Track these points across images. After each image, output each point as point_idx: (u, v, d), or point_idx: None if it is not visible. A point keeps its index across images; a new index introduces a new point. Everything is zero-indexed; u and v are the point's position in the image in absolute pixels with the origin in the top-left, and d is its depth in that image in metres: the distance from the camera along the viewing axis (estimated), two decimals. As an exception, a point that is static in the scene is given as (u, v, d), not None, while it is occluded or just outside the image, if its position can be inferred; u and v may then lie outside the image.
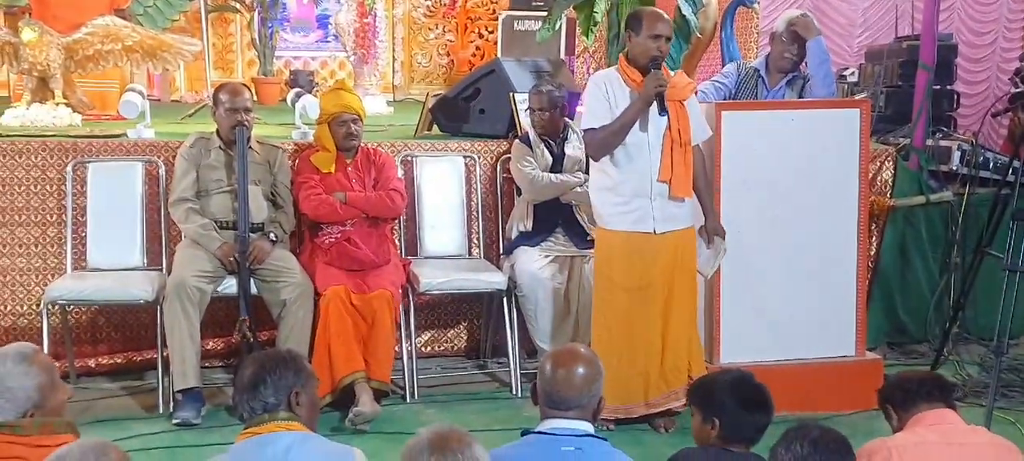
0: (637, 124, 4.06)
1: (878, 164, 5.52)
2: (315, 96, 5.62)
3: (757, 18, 7.82)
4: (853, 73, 7.04)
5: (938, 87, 5.90)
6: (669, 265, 4.17)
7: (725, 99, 4.84)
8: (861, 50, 8.02)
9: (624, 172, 4.11)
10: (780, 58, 4.89)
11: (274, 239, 4.59)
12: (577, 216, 4.92)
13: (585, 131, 4.19)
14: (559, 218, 4.91)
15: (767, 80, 4.95)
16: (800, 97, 4.85)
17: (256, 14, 8.77)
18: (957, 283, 5.41)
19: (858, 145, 4.68)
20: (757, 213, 4.54)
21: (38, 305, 4.71)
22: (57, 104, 5.66)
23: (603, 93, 4.10)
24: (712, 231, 4.27)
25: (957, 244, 5.53)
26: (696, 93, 4.32)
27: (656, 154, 4.07)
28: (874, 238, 5.49)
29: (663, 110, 4.01)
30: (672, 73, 4.22)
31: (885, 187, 5.58)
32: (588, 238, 4.89)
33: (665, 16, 4.17)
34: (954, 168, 5.67)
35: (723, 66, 5.65)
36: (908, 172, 5.58)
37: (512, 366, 4.83)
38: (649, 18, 4.10)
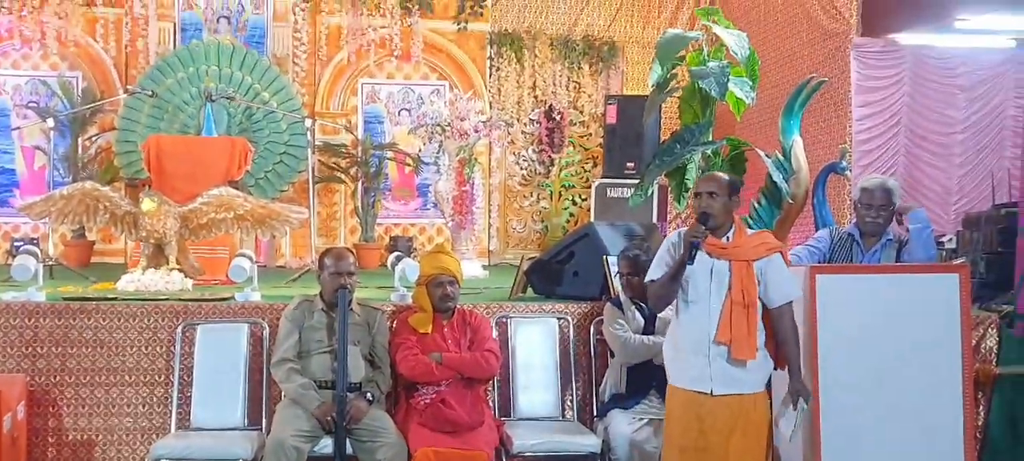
0: (698, 282, 4.08)
1: (981, 331, 5.38)
2: (414, 260, 5.78)
3: (849, 185, 7.84)
4: (951, 239, 6.96)
5: (1040, 253, 5.78)
6: (726, 429, 4.06)
7: (819, 263, 4.83)
8: (957, 217, 7.94)
9: (685, 329, 4.15)
10: (863, 222, 4.91)
11: (371, 399, 4.67)
12: (671, 379, 4.89)
13: (647, 283, 4.27)
14: (652, 381, 4.88)
15: (862, 244, 4.94)
16: (897, 261, 4.82)
17: (360, 184, 9.15)
18: (1073, 456, 5.18)
19: (958, 310, 4.58)
20: (856, 379, 4.45)
21: (142, 463, 4.85)
22: (170, 269, 5.93)
23: (668, 248, 4.21)
24: (794, 393, 4.18)
25: (1070, 415, 5.31)
26: (780, 253, 4.26)
27: (717, 314, 4.07)
28: (981, 407, 5.30)
29: (691, 260, 4.01)
30: (749, 232, 4.25)
31: (990, 355, 5.41)
32: (682, 402, 4.85)
33: (716, 175, 4.28)
34: (1062, 336, 5.50)
35: (816, 231, 5.66)
36: (1013, 339, 5.41)
37: (606, 532, 4.74)
38: (697, 181, 4.31)
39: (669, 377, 4.24)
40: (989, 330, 5.43)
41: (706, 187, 4.15)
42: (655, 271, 4.19)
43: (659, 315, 4.95)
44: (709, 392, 4.06)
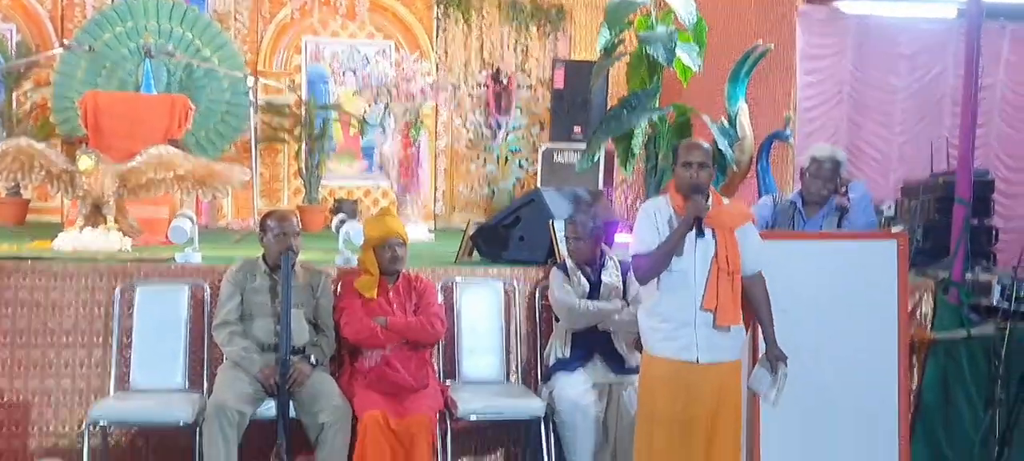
0: (681, 251, 4.05)
1: (917, 297, 5.49)
2: (359, 222, 5.73)
3: (792, 152, 7.93)
4: (889, 207, 7.08)
5: (976, 222, 5.91)
6: (713, 397, 4.08)
7: (762, 230, 4.88)
8: (897, 184, 8.08)
9: (668, 298, 4.09)
10: (808, 190, 4.98)
11: (314, 362, 4.64)
12: (614, 343, 4.93)
13: (633, 257, 4.20)
14: (596, 345, 4.92)
15: (804, 212, 5.01)
16: (838, 228, 4.89)
17: (304, 145, 9.04)
18: (1002, 419, 5.32)
19: (896, 277, 4.68)
20: (797, 343, 4.51)
21: (80, 426, 4.77)
22: (109, 229, 5.81)
23: (652, 220, 4.12)
24: (774, 358, 4.22)
25: (1000, 379, 5.45)
26: (752, 222, 4.28)
27: (701, 281, 4.05)
28: (916, 372, 5.43)
29: (700, 233, 4.03)
30: (725, 201, 4.26)
31: (925, 320, 5.54)
32: (626, 365, 4.89)
33: (701, 144, 4.21)
34: (995, 302, 5.62)
35: (759, 198, 5.72)
36: (948, 306, 5.54)
37: (549, 494, 4.78)
38: (683, 149, 4.17)
39: (649, 348, 4.18)
40: (925, 296, 5.54)
41: (697, 158, 4.08)
42: (642, 244, 4.10)
43: (604, 281, 4.98)
44: (695, 360, 4.05)
